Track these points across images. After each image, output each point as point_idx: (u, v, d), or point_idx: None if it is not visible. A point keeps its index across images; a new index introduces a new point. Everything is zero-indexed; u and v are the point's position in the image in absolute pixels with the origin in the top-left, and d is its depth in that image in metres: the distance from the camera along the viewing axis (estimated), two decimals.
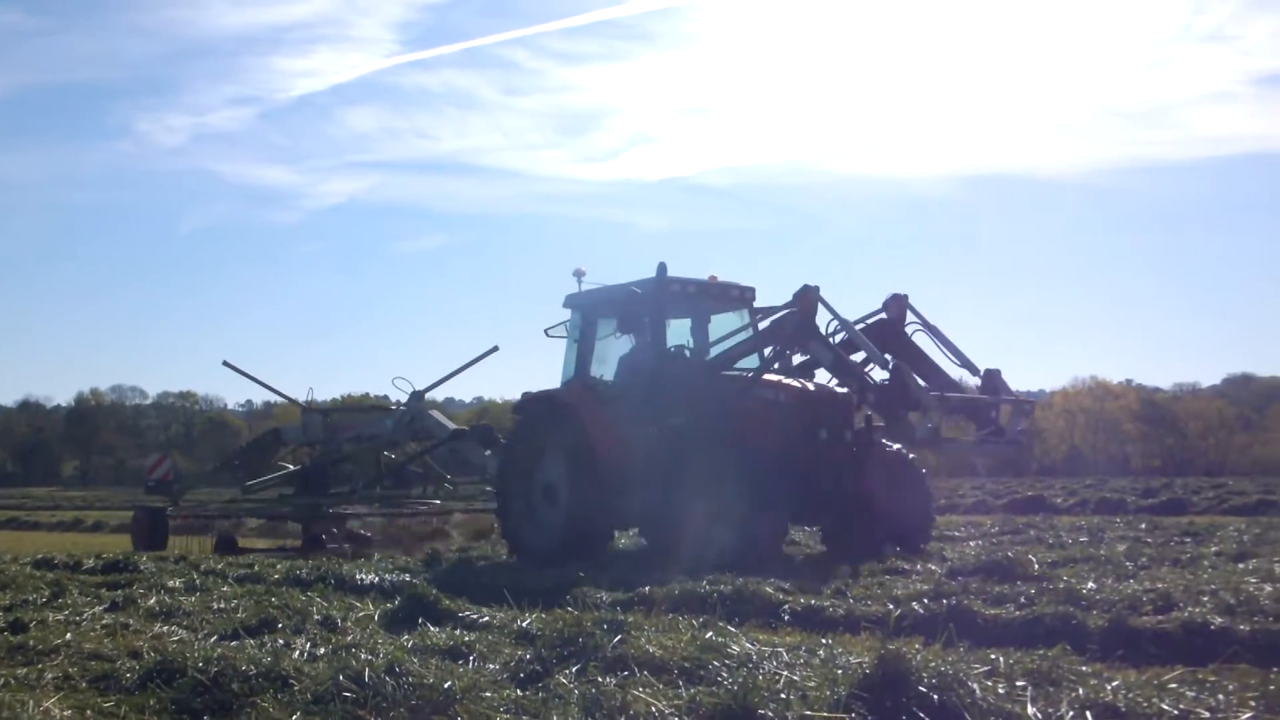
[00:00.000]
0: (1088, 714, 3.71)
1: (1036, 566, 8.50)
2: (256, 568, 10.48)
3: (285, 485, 17.88)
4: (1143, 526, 14.80)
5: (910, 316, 12.18)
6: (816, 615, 6.59)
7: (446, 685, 4.14)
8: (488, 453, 15.99)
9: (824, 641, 5.27)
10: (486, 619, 6.30)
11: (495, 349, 17.98)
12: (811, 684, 4.06)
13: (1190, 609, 5.95)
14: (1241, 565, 8.85)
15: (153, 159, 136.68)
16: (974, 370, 11.91)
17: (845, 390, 11.80)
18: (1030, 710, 3.75)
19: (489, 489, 16.38)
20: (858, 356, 11.75)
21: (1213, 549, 10.50)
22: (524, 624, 5.75)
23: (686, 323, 13.50)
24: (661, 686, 3.98)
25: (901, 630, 4.97)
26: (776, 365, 12.40)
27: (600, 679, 4.09)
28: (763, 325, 12.76)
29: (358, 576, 9.11)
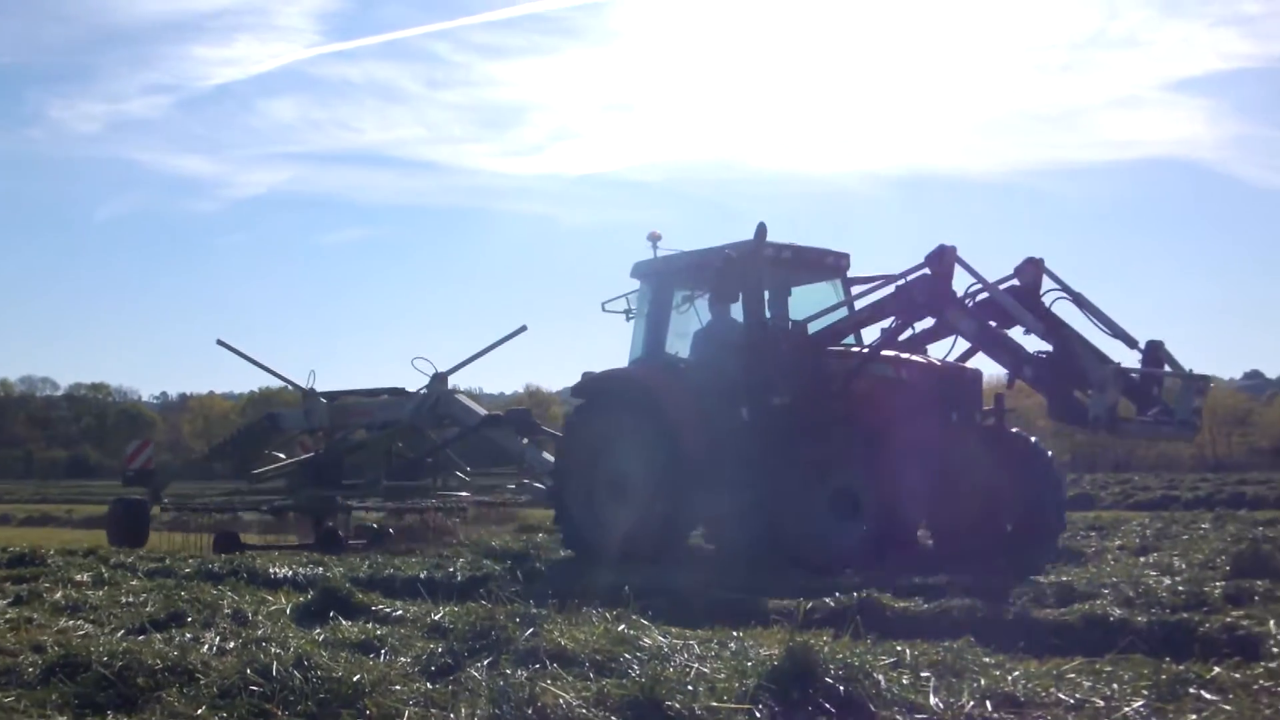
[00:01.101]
0: (987, 703, 3.79)
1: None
2: (168, 561, 10.25)
3: (296, 475, 16.52)
4: None
5: (1047, 282, 10.45)
6: (729, 608, 6.63)
7: (356, 679, 4.06)
8: (525, 441, 14.66)
9: (735, 634, 5.30)
10: (400, 612, 6.22)
11: (524, 328, 16.34)
12: (721, 676, 4.08)
13: (1091, 602, 6.11)
14: (1142, 559, 9.08)
15: (67, 146, 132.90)
16: (1131, 343, 10.22)
17: (975, 367, 10.80)
18: (933, 700, 3.83)
19: (526, 481, 15.61)
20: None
21: (1116, 543, 10.77)
22: (437, 617, 5.71)
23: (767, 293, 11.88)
24: (571, 679, 3.95)
25: (812, 623, 5.02)
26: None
27: (511, 672, 4.06)
28: (877, 294, 11.17)
29: (271, 570, 8.95)
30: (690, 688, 3.76)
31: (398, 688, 4.11)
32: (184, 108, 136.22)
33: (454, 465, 16.71)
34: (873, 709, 3.81)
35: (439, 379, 15.28)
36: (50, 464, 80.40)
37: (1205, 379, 9.88)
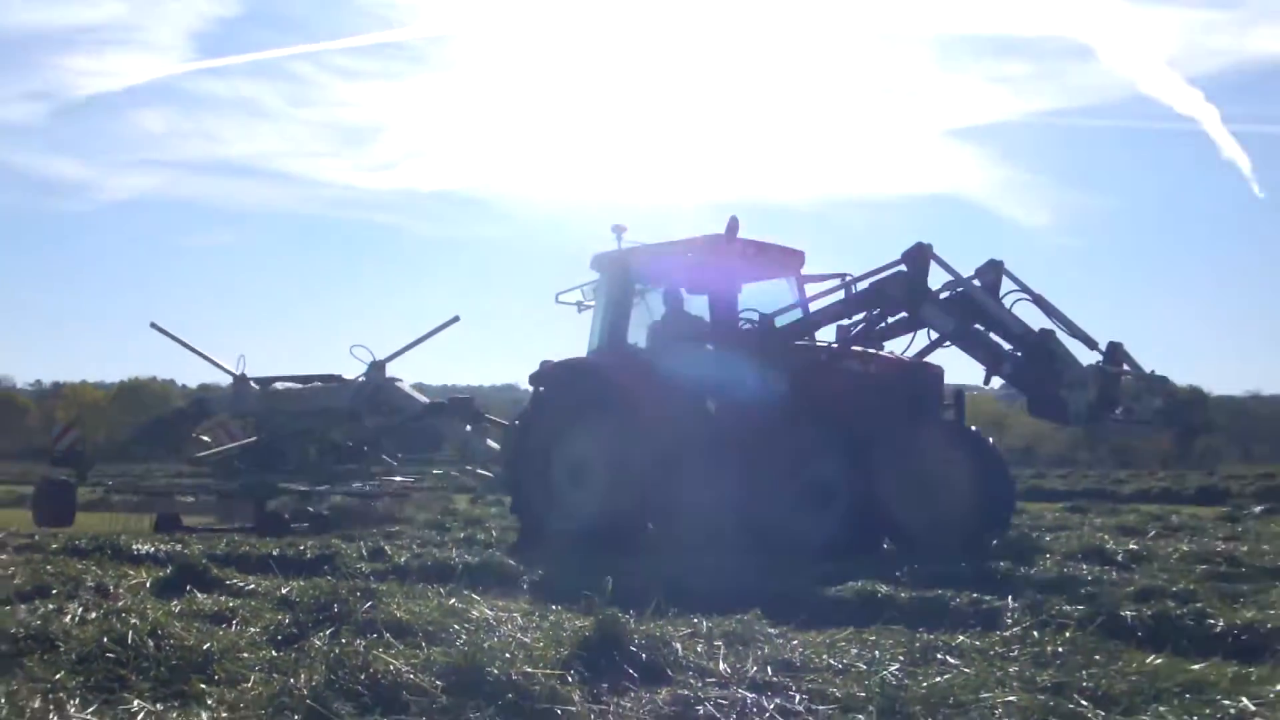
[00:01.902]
0: (769, 668, 4.35)
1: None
2: (37, 537, 10.36)
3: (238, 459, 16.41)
4: None
5: (1008, 284, 10.58)
6: (550, 585, 7.17)
7: (206, 647, 4.43)
8: (468, 428, 14.83)
9: (554, 608, 5.82)
10: (252, 586, 6.60)
11: (456, 319, 16.41)
12: (539, 645, 4.54)
13: (864, 580, 6.83)
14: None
15: None
16: (1091, 343, 10.37)
17: (937, 364, 10.89)
18: (722, 666, 4.37)
19: (469, 467, 15.74)
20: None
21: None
22: (285, 591, 6.07)
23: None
24: (404, 648, 4.36)
25: (623, 597, 5.57)
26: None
27: (349, 641, 4.47)
28: (849, 290, 11.21)
29: (135, 547, 9.15)
30: (509, 655, 4.19)
31: (245, 655, 4.49)
32: (58, 115, 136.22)
33: (387, 451, 16.77)
34: (670, 674, 4.32)
35: (377, 367, 15.40)
36: None
37: (1165, 379, 10.13)
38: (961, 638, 4.83)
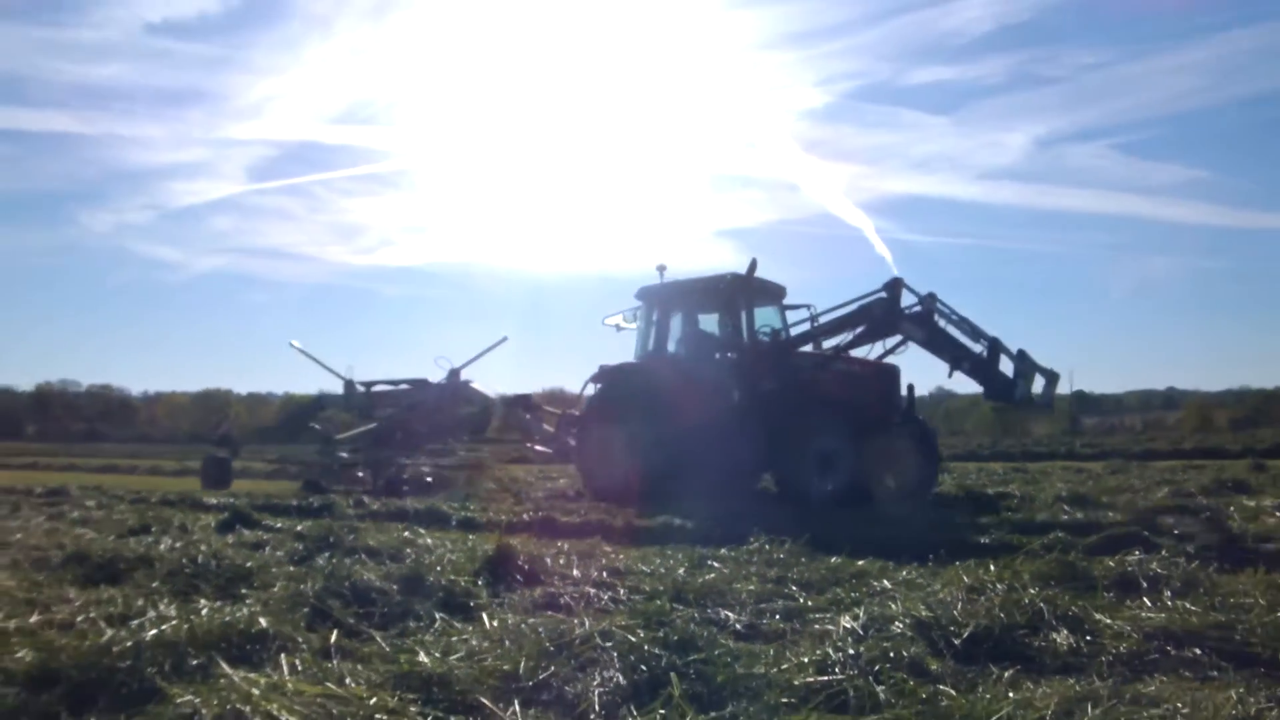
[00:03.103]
0: (604, 573, 6.15)
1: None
2: (141, 492, 12.44)
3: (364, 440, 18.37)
4: None
5: (908, 297, 12.60)
6: (471, 521, 9.05)
7: (248, 565, 6.25)
8: (528, 416, 17.18)
9: (470, 538, 7.67)
10: (280, 525, 8.47)
11: (505, 339, 18.23)
12: (461, 561, 6.34)
13: (668, 514, 8.88)
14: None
15: None
16: (978, 335, 12.34)
17: (894, 364, 12.92)
18: (575, 572, 6.17)
19: (528, 445, 17.91)
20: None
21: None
22: (300, 529, 7.91)
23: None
24: (374, 564, 6.19)
25: (515, 529, 7.31)
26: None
27: (339, 560, 6.26)
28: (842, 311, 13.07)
29: (205, 500, 11.13)
30: (440, 568, 5.96)
31: (274, 570, 6.31)
32: (163, 218, 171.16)
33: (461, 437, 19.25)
34: (543, 577, 6.12)
35: (453, 372, 17.49)
36: None
37: (1056, 373, 12.30)
38: (723, 550, 6.66)
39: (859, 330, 12.78)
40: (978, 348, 12.23)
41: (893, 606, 4.66)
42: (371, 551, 6.64)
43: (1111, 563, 5.45)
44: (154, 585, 5.85)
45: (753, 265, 13.30)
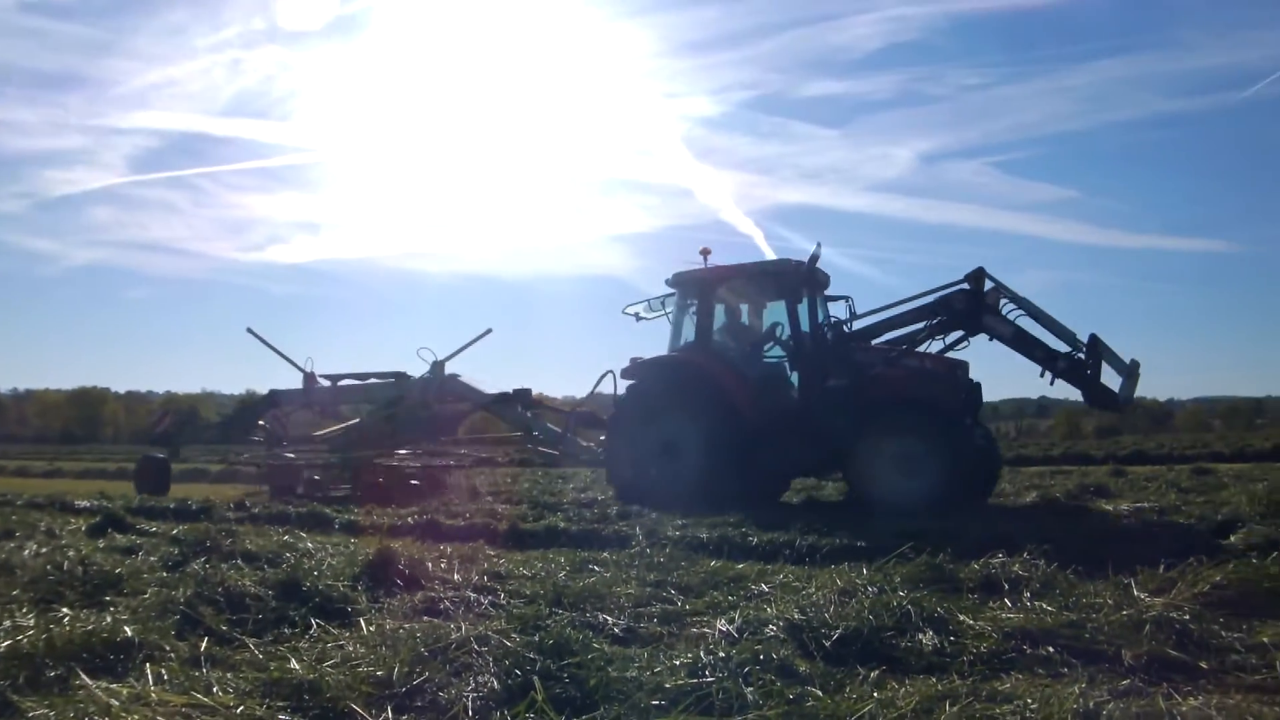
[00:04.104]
0: (485, 577, 6.11)
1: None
2: (6, 494, 11.79)
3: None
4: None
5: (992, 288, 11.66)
6: (354, 525, 8.92)
7: (118, 571, 6.02)
8: (530, 414, 15.84)
9: (353, 541, 7.55)
10: (155, 529, 8.17)
11: (489, 330, 16.94)
12: (341, 565, 6.24)
13: (552, 516, 8.84)
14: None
15: None
16: (1071, 336, 11.41)
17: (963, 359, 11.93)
18: (456, 576, 6.11)
19: (529, 446, 16.55)
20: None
21: (569, 485, 15.06)
22: (175, 532, 7.67)
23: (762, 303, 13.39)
24: (250, 569, 6.04)
25: (398, 533, 7.22)
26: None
27: (215, 566, 6.08)
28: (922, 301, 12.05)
29: (76, 503, 10.63)
30: (318, 573, 5.85)
31: (145, 575, 6.12)
32: (38, 208, 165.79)
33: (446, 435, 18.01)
34: (423, 582, 6.04)
35: (438, 365, 16.28)
36: None
37: (1137, 362, 11.34)
38: (605, 554, 6.69)
39: (934, 324, 11.77)
40: (1065, 347, 11.31)
41: (768, 610, 4.74)
42: (249, 556, 6.46)
43: (977, 566, 5.64)
44: (14, 594, 5.62)
45: (817, 251, 12.29)
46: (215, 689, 3.54)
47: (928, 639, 4.31)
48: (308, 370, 17.56)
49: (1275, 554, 5.17)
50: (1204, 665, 3.94)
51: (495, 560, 6.58)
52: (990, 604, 4.88)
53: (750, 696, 3.41)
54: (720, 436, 11.92)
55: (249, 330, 17.76)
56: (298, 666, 3.79)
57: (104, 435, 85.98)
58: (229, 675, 3.77)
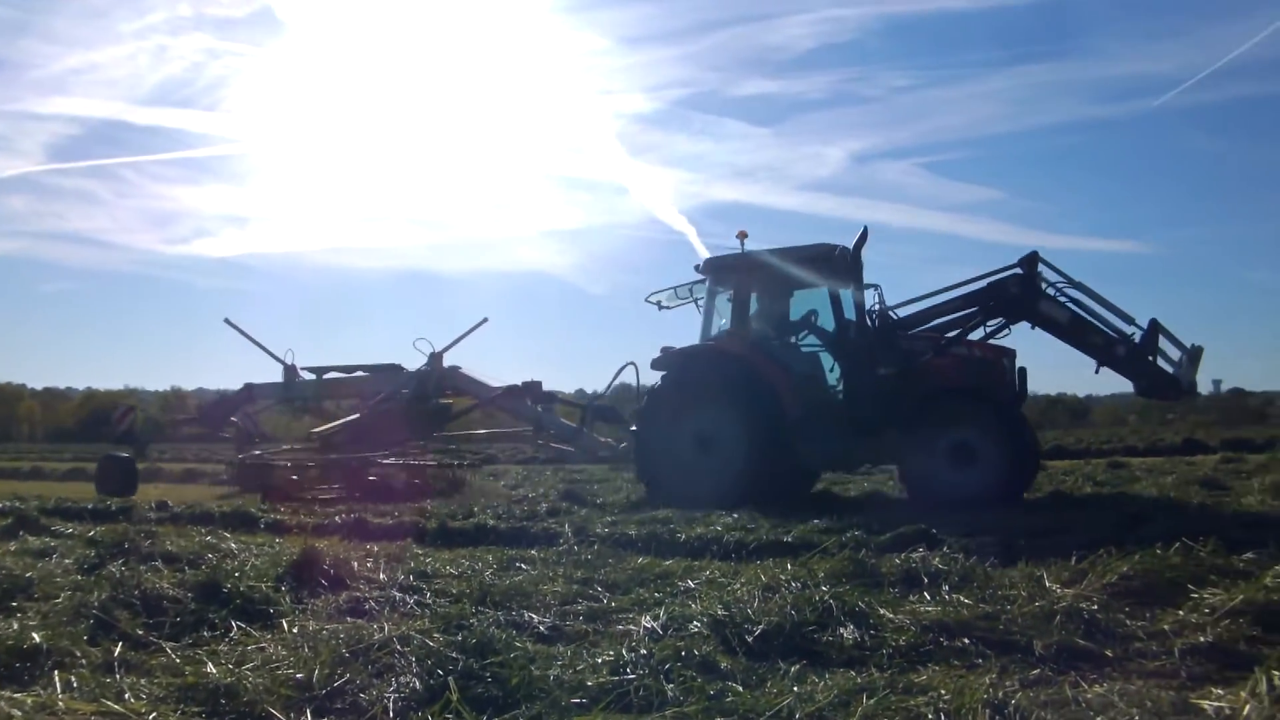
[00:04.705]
0: (411, 576, 6.05)
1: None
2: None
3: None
4: None
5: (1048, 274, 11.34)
6: (280, 525, 8.78)
7: (29, 575, 5.84)
8: (540, 408, 14.97)
9: (278, 541, 7.42)
10: (70, 530, 7.94)
11: (485, 320, 16.25)
12: (264, 566, 6.13)
13: (481, 515, 8.83)
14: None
15: None
16: (1129, 320, 11.04)
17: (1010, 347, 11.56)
18: (382, 575, 6.04)
19: (541, 442, 15.79)
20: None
21: (501, 482, 15.14)
22: (92, 534, 7.46)
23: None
24: (169, 571, 5.90)
25: (324, 532, 7.13)
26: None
27: (132, 568, 5.93)
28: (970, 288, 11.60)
29: None
30: (239, 574, 5.73)
31: (59, 579, 5.93)
32: None
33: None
34: (348, 582, 5.97)
35: (435, 357, 15.42)
36: None
37: (1200, 347, 10.96)
38: (533, 551, 6.68)
39: (985, 310, 11.39)
40: (1128, 330, 10.91)
41: (692, 606, 4.77)
42: (170, 558, 6.31)
43: (898, 560, 5.73)
44: None
45: (864, 234, 11.76)
46: (128, 695, 3.46)
47: (849, 633, 4.36)
48: (289, 363, 16.53)
49: (1177, 545, 5.33)
50: (1109, 653, 4.05)
51: (422, 559, 6.52)
52: (910, 597, 4.96)
53: (670, 693, 3.43)
54: (761, 428, 11.40)
55: (226, 321, 16.73)
56: (215, 670, 3.72)
57: (19, 433, 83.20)
58: (143, 681, 3.69)
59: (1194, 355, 10.81)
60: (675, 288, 13.15)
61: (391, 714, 3.40)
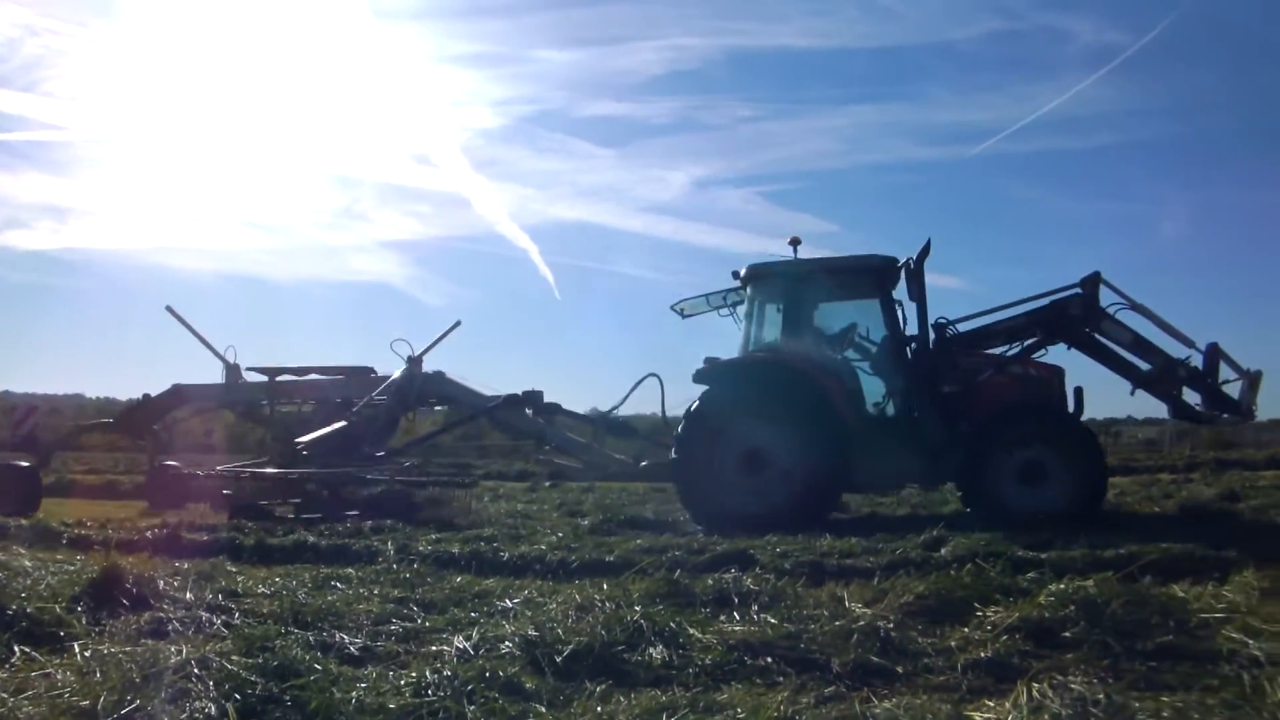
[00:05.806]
0: (220, 596, 5.82)
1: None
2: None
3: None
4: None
5: (1109, 295, 11.12)
6: (85, 540, 8.34)
7: None
8: (541, 419, 13.61)
9: (79, 558, 7.01)
10: None
11: (459, 323, 14.85)
12: (60, 585, 5.78)
13: (302, 531, 8.55)
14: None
15: None
16: (1189, 343, 10.92)
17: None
18: (189, 595, 5.78)
19: (544, 456, 14.66)
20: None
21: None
22: None
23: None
24: None
25: (133, 548, 6.76)
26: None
27: None
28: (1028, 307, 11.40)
29: None
30: (27, 594, 5.37)
31: None
32: None
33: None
34: (152, 601, 5.69)
35: (414, 362, 14.03)
36: None
37: (1259, 371, 10.88)
38: (350, 570, 6.52)
39: (1046, 330, 11.23)
40: (1185, 353, 10.86)
41: (506, 626, 4.76)
42: None
43: (711, 580, 5.86)
44: None
45: (927, 246, 11.14)
46: None
47: (657, 652, 4.44)
48: (232, 361, 14.68)
49: (969, 565, 5.65)
50: (900, 670, 4.26)
51: (234, 577, 6.28)
52: (720, 617, 5.08)
53: (471, 715, 3.42)
54: (819, 446, 10.82)
55: (168, 309, 14.86)
56: None
57: None
58: None
59: (1254, 380, 10.89)
60: (707, 295, 12.45)
61: None
